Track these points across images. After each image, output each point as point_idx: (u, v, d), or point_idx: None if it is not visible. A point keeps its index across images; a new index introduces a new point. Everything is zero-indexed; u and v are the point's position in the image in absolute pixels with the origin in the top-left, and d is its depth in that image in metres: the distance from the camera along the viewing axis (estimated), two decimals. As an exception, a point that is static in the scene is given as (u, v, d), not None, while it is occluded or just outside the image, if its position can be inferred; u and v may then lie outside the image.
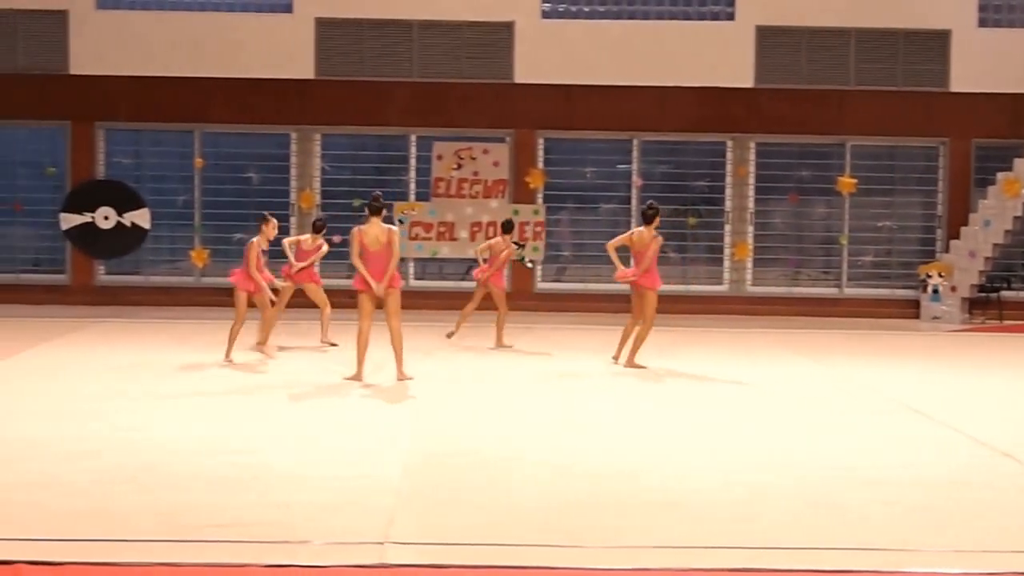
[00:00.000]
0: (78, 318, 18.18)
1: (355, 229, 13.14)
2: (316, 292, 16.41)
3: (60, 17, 21.44)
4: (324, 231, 16.60)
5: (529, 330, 18.16)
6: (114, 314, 15.74)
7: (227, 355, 14.54)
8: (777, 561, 6.79)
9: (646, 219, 14.64)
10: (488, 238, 20.99)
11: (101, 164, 21.68)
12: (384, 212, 13.23)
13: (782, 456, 9.59)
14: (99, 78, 21.35)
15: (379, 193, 13.38)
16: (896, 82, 21.68)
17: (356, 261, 13.07)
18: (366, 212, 13.18)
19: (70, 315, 18.87)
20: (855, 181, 21.57)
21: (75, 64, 21.49)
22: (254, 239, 14.89)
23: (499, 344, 16.53)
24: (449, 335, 16.77)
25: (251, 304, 15.12)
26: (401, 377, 13.19)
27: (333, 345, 16.04)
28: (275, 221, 15.32)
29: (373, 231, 13.05)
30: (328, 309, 16.37)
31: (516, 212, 21.26)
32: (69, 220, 21.30)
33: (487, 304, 16.79)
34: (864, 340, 18.28)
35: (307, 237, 16.50)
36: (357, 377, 13.11)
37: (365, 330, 13.14)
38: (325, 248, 16.42)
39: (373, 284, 12.98)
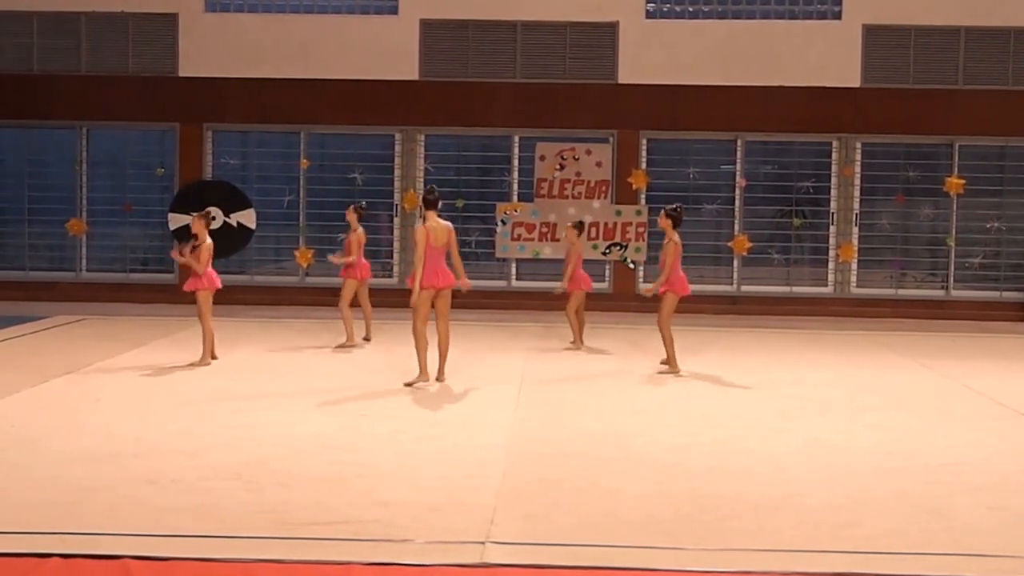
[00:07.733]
0: (184, 317, 18.41)
1: (422, 227, 12.69)
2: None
3: (170, 20, 21.76)
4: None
5: (630, 330, 18.11)
6: (219, 313, 15.84)
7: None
8: (881, 566, 6.74)
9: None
10: (591, 239, 21.03)
11: (209, 165, 21.98)
12: (440, 204, 13.06)
13: (886, 459, 9.49)
14: (207, 80, 21.65)
15: (434, 186, 13.29)
16: (1006, 81, 21.31)
17: (421, 259, 12.63)
18: (422, 208, 12.89)
19: (176, 314, 19.14)
20: (963, 181, 21.25)
21: (184, 66, 21.80)
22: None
23: (581, 343, 16.56)
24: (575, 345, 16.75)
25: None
26: (442, 378, 13.07)
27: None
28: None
29: (437, 227, 12.75)
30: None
31: (619, 213, 21.24)
32: (177, 220, 21.58)
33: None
34: (971, 343, 17.99)
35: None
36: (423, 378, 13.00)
37: (425, 330, 12.87)
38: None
39: (460, 282, 12.94)
